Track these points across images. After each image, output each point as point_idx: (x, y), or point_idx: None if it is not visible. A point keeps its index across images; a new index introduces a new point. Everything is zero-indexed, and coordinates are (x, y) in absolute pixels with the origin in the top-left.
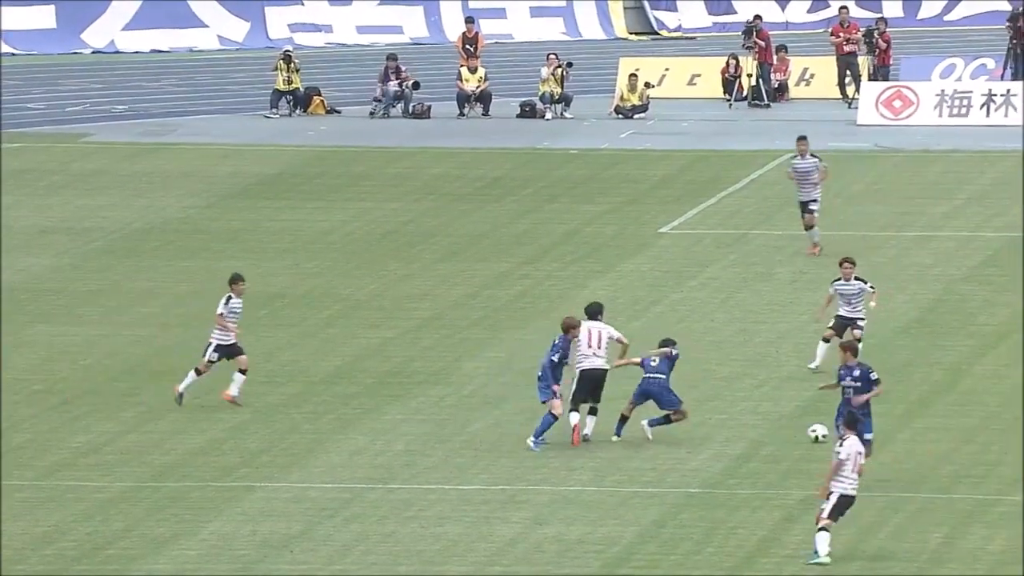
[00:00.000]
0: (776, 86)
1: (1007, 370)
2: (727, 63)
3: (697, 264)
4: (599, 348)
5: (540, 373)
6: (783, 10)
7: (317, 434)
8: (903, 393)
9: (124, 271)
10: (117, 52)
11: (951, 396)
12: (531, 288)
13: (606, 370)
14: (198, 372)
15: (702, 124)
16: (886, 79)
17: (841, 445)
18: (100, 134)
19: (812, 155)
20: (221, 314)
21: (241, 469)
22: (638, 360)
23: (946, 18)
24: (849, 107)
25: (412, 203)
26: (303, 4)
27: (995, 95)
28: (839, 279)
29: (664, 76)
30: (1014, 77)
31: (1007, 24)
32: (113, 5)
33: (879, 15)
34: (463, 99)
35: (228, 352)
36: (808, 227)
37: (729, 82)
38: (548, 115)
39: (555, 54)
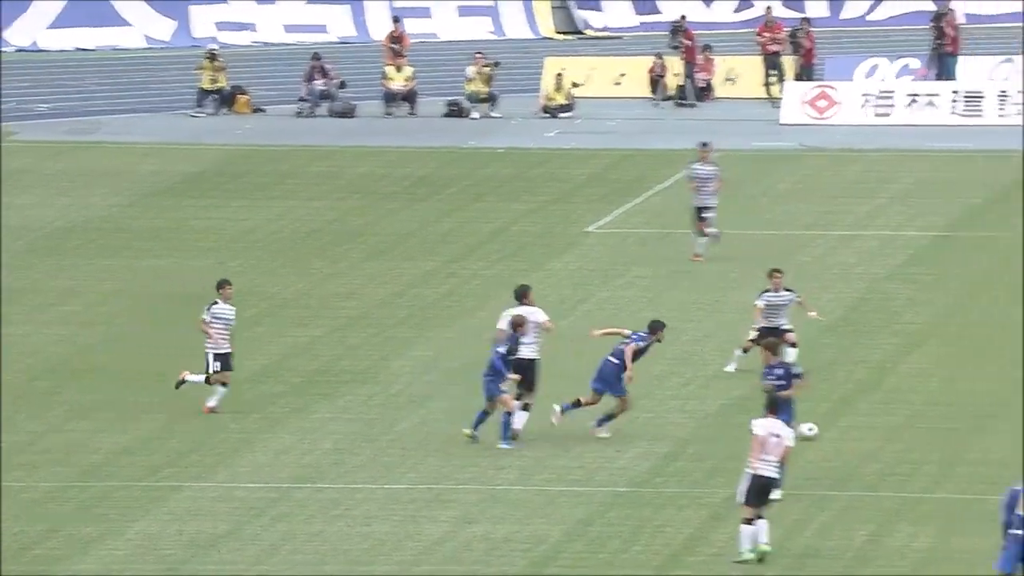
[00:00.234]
0: (702, 86)
1: (932, 368)
2: (653, 63)
3: (624, 263)
4: (526, 336)
5: (487, 369)
6: (708, 9)
7: (244, 433)
8: (828, 391)
9: (46, 269)
10: (40, 51)
11: (876, 394)
12: (458, 287)
13: (533, 359)
14: (223, 384)
15: (628, 123)
16: (810, 79)
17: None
18: (23, 133)
19: (712, 162)
20: (203, 320)
21: (167, 469)
22: (627, 332)
23: (869, 18)
24: (774, 106)
25: (338, 202)
26: (228, 3)
27: (918, 95)
28: (768, 290)
29: (590, 75)
30: (938, 77)
31: (931, 24)
32: (36, 4)
33: (803, 15)
34: (389, 98)
35: (223, 362)
36: (700, 233)
37: (655, 81)
38: (474, 114)
39: (482, 53)
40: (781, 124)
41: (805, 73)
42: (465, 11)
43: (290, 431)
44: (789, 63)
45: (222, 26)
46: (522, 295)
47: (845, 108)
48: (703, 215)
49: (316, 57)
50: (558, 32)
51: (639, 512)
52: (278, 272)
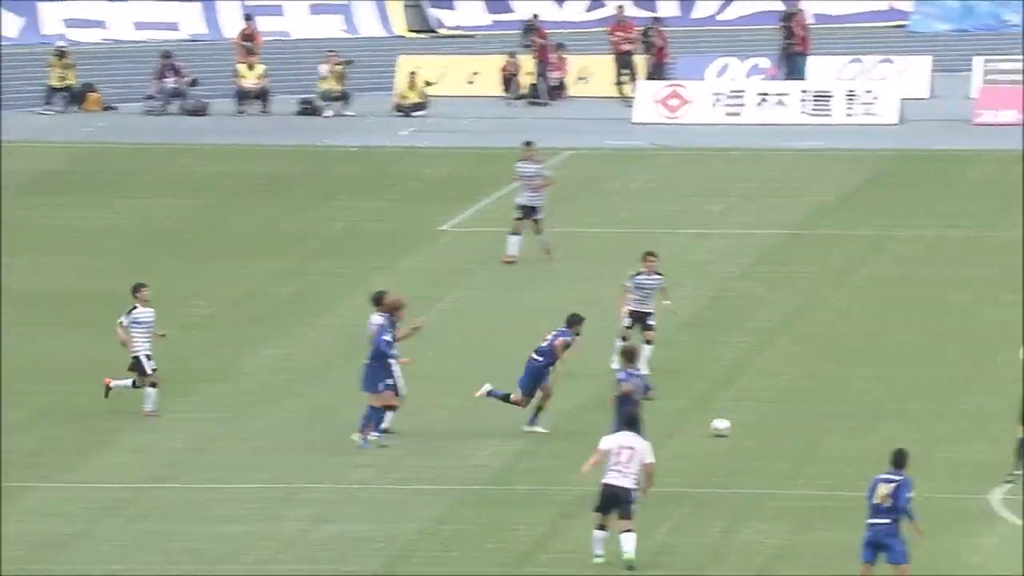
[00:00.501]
0: (554, 84)
1: (782, 366)
2: (506, 61)
3: (477, 261)
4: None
5: (369, 360)
6: (561, 9)
7: (97, 432)
8: (683, 389)
9: None
10: None
11: (729, 392)
12: (311, 285)
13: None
14: (153, 384)
15: (481, 122)
16: (662, 78)
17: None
18: None
19: (537, 161)
20: (121, 323)
21: (19, 468)
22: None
23: (720, 18)
24: (626, 105)
25: (190, 200)
26: (77, 0)
27: (768, 94)
28: (640, 272)
29: (443, 74)
30: (787, 76)
31: (780, 24)
32: None
33: (655, 15)
34: (242, 96)
35: (137, 363)
36: (516, 233)
37: (508, 80)
38: (327, 112)
39: (334, 51)
40: (633, 123)
41: (657, 72)
42: (317, 9)
43: (143, 430)
44: (641, 62)
45: (71, 23)
46: (376, 302)
47: (696, 107)
48: (532, 215)
49: (167, 55)
50: (411, 31)
51: (492, 510)
52: (130, 271)
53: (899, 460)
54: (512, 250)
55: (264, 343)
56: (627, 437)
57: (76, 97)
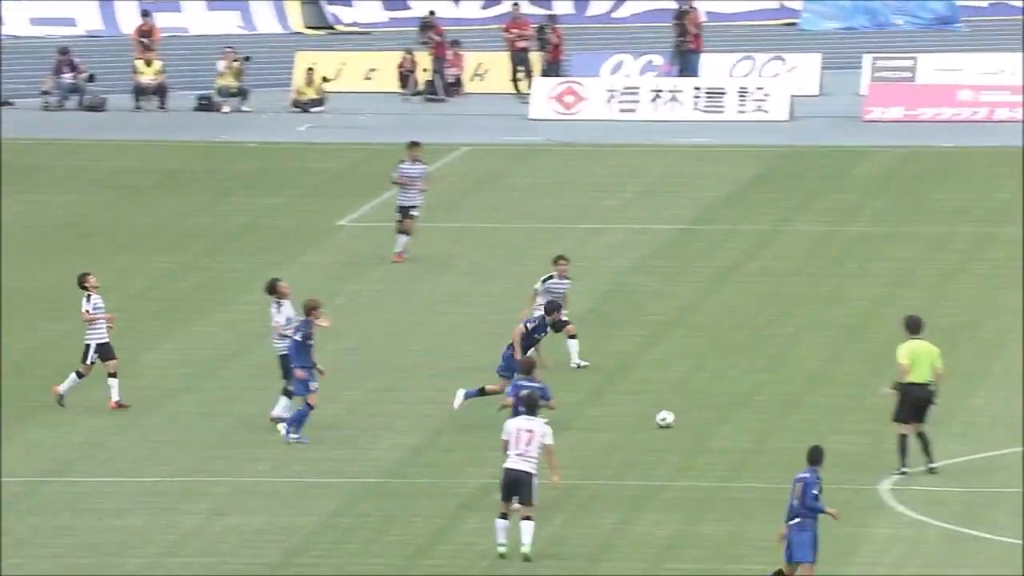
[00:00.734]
0: (451, 81)
1: (676, 359)
2: (403, 58)
3: (376, 256)
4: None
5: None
6: (457, 7)
7: None
8: (577, 382)
9: None
10: None
11: (623, 384)
12: (210, 280)
13: (286, 354)
14: (79, 375)
15: (379, 118)
16: (558, 75)
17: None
18: None
19: (422, 161)
20: (86, 311)
21: None
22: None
23: (614, 15)
24: (522, 102)
25: (88, 196)
26: None
27: (662, 91)
28: (551, 276)
29: (341, 70)
30: (681, 73)
31: (674, 22)
32: None
33: (550, 12)
34: (139, 92)
35: (103, 352)
36: (402, 232)
37: (405, 76)
38: (225, 108)
39: (232, 48)
40: (530, 119)
41: (552, 69)
42: (214, 6)
43: (40, 424)
44: (536, 59)
45: None
46: (272, 288)
47: (591, 103)
48: (410, 214)
49: (64, 51)
50: (308, 27)
51: (390, 503)
52: (28, 266)
53: (812, 456)
54: (400, 248)
55: (163, 338)
56: (525, 420)
57: None
